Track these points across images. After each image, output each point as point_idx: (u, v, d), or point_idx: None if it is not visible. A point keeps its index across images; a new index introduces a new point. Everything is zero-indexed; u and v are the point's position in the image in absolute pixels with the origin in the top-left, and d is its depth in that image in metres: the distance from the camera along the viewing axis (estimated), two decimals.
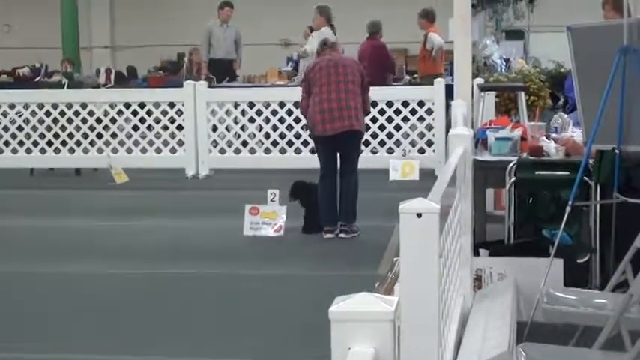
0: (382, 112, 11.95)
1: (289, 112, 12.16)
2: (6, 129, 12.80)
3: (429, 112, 11.98)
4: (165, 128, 12.50)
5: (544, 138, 7.02)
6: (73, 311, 6.39)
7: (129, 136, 12.58)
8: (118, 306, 6.49)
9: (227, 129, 12.50)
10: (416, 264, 3.11)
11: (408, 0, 21.36)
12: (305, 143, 12.01)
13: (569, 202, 5.78)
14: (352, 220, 8.51)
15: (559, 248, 5.75)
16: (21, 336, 5.84)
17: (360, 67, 8.81)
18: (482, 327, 4.80)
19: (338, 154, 8.54)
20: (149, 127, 12.58)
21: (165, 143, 12.50)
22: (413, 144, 12.12)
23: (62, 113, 12.63)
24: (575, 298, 4.95)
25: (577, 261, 6.19)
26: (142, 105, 12.55)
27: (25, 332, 5.91)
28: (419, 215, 3.07)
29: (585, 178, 5.99)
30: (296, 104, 11.96)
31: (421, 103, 12.01)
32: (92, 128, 12.61)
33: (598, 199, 6.12)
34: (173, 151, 12.48)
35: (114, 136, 12.60)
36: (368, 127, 10.90)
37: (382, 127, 12.02)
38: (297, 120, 12.09)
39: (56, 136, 12.64)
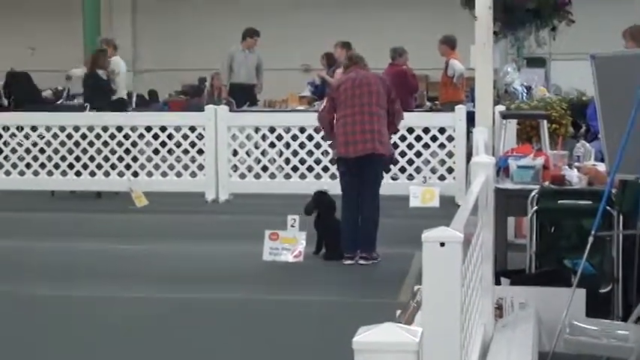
0: (403, 138, 11.93)
1: (310, 138, 12.16)
2: (28, 151, 12.85)
3: (450, 139, 11.96)
4: (186, 152, 12.53)
5: (566, 166, 7.00)
6: (95, 335, 6.38)
7: (149, 160, 12.61)
8: (137, 330, 6.48)
9: (247, 153, 12.52)
10: (438, 293, 3.09)
11: (430, 26, 21.49)
12: (325, 169, 12.00)
13: (592, 232, 5.74)
14: (372, 246, 8.46)
15: (581, 278, 5.71)
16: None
17: (386, 84, 8.78)
18: (504, 357, 4.76)
19: (360, 178, 8.53)
20: (170, 151, 12.61)
21: (186, 167, 12.52)
22: (433, 171, 12.08)
23: (84, 136, 12.68)
24: (597, 329, 4.91)
25: (599, 291, 6.15)
26: (163, 128, 12.58)
27: (50, 356, 5.91)
28: (442, 244, 3.06)
29: (608, 207, 5.96)
30: (317, 129, 12.01)
31: (442, 130, 11.99)
32: (113, 151, 12.65)
33: (621, 228, 6.08)
34: (193, 175, 12.50)
35: (135, 159, 12.64)
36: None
37: (403, 154, 12.00)
38: (317, 145, 12.09)
39: (77, 158, 12.68)
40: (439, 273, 3.11)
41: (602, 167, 6.64)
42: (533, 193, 6.40)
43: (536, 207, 6.36)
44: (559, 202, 6.42)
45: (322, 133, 11.84)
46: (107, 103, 13.81)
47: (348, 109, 8.50)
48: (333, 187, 9.29)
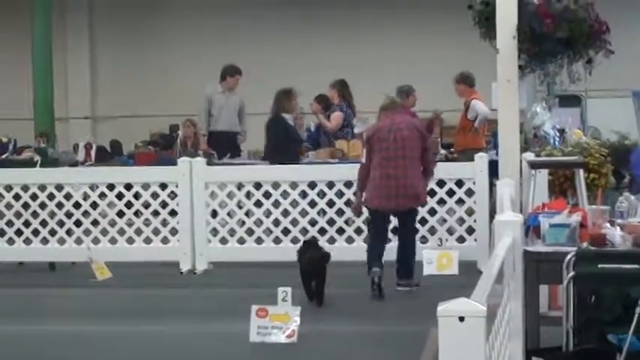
0: None
1: (303, 195, 12.21)
2: None
3: (470, 193, 12.01)
4: (156, 214, 12.56)
5: (608, 224, 7.04)
6: None
7: (113, 224, 12.64)
8: None
9: (229, 214, 12.55)
10: None
11: (443, 60, 21.67)
12: (322, 231, 12.04)
13: None
14: (411, 274, 10.34)
15: (629, 356, 5.73)
16: None
17: (421, 131, 10.49)
18: None
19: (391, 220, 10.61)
20: (137, 213, 12.63)
21: (156, 232, 12.54)
22: (450, 231, 12.12)
23: (34, 196, 12.72)
24: None
25: None
26: (128, 186, 12.63)
27: None
28: (461, 319, 3.11)
29: None
30: (311, 185, 12.09)
31: (460, 183, 12.05)
32: (69, 214, 12.68)
33: None
34: (165, 241, 12.52)
35: (95, 223, 12.66)
36: None
37: None
38: (312, 204, 12.14)
39: (26, 223, 12.71)
40: (459, 353, 3.15)
41: None
42: (568, 257, 6.44)
43: (572, 273, 6.40)
44: (599, 266, 6.45)
45: (317, 189, 12.02)
46: (296, 152, 13.84)
47: (384, 161, 10.30)
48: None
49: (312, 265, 9.83)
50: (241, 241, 12.45)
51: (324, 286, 9.81)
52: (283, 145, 13.87)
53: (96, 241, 12.57)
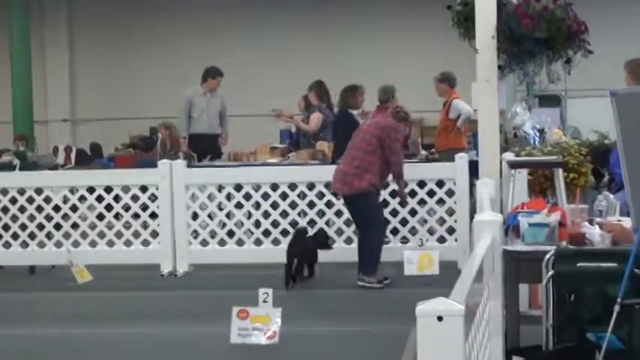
0: (394, 194, 12.00)
1: (284, 196, 12.21)
2: None
3: (450, 193, 12.04)
4: (137, 217, 12.55)
5: (587, 223, 7.07)
6: None
7: (93, 227, 12.61)
8: None
9: (210, 216, 12.55)
10: None
11: (422, 61, 21.72)
12: None
13: (619, 300, 5.80)
14: (367, 271, 10.63)
15: (607, 354, 5.76)
16: None
17: (382, 130, 10.96)
18: None
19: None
20: (117, 216, 12.62)
21: (137, 235, 12.53)
22: (431, 232, 12.16)
23: (13, 200, 12.68)
24: None
25: None
26: (108, 189, 12.61)
27: None
28: (440, 318, 3.12)
29: (636, 270, 6.02)
30: (291, 186, 12.10)
31: (440, 183, 12.08)
32: (49, 218, 12.65)
33: None
34: (146, 243, 12.50)
35: (75, 226, 12.64)
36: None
37: (394, 212, 12.06)
38: (292, 205, 12.14)
39: (6, 227, 12.67)
40: (437, 353, 3.16)
41: (628, 223, 6.72)
42: (548, 256, 6.46)
43: (552, 271, 6.42)
44: (579, 265, 6.48)
45: (297, 190, 12.07)
46: None
47: (345, 150, 11.26)
48: None
49: (304, 251, 10.97)
50: (222, 243, 12.45)
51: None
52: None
53: (76, 244, 12.54)
